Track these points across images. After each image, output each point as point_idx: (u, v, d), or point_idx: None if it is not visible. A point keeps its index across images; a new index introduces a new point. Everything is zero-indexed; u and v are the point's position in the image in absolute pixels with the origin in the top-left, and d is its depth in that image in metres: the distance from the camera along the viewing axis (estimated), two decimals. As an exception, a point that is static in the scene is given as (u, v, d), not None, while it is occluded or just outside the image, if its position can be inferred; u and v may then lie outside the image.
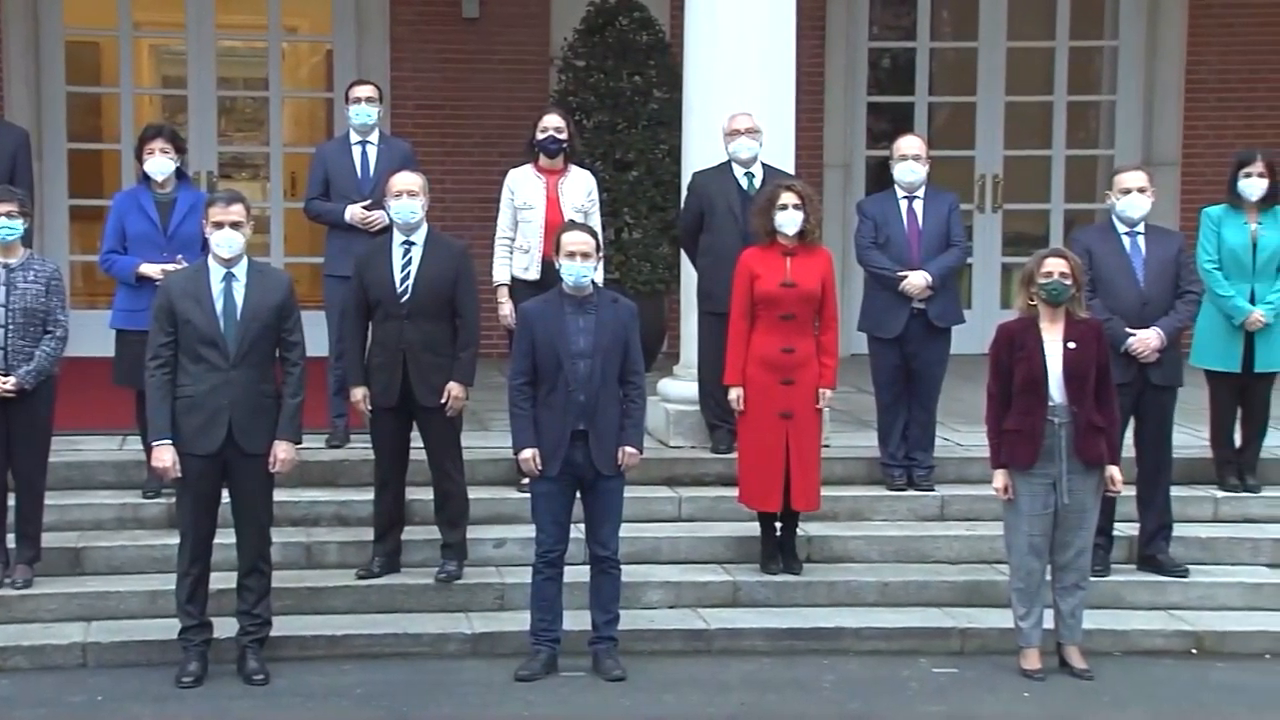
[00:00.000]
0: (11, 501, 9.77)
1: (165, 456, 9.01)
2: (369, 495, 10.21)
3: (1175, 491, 10.51)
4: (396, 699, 8.93)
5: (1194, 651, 9.86)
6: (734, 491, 10.34)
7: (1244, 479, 11.14)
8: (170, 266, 10.00)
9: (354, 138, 11.41)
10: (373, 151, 11.33)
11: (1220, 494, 11.09)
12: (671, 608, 10.07)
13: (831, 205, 15.16)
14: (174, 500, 9.53)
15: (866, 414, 11.50)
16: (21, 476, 9.74)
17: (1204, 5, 16.21)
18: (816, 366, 10.02)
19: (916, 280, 10.79)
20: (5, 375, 9.48)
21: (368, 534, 10.20)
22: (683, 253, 11.75)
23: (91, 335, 11.19)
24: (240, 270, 9.05)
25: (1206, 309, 10.84)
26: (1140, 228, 10.29)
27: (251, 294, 9.03)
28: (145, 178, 10.62)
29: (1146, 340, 10.08)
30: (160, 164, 10.52)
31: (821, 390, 10.07)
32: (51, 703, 8.84)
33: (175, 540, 9.28)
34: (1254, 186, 10.91)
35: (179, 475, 9.05)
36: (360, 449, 10.62)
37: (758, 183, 10.84)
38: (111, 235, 10.60)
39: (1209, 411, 11.11)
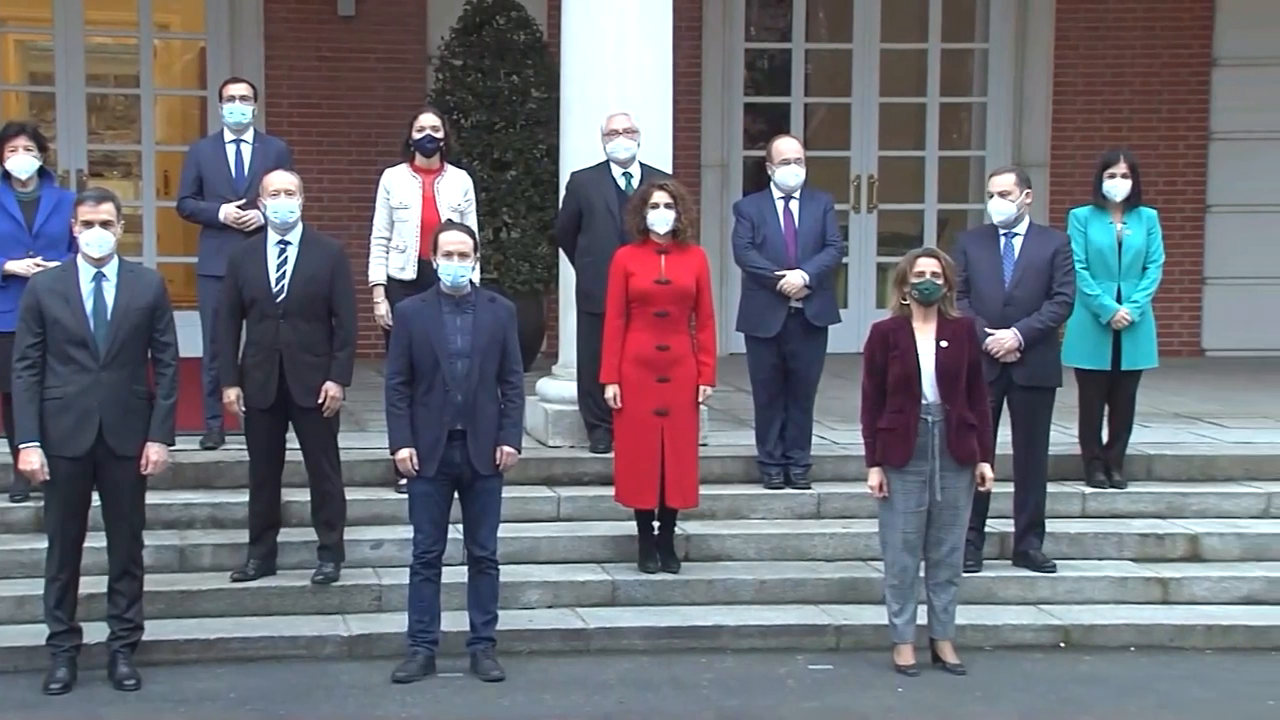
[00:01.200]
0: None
1: (33, 459, 8.90)
2: (244, 497, 10.17)
3: (1046, 488, 10.59)
4: (272, 702, 8.87)
5: (1062, 645, 9.97)
6: (612, 490, 10.34)
7: (1110, 475, 11.25)
8: (36, 264, 9.90)
9: (228, 136, 11.36)
10: (247, 150, 11.28)
11: (1088, 490, 11.21)
12: (550, 607, 10.06)
13: (709, 205, 15.23)
14: (42, 504, 9.41)
15: (744, 413, 11.54)
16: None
17: (1071, 10, 16.41)
18: (693, 364, 10.05)
19: (794, 280, 10.82)
20: None
21: (243, 536, 10.15)
22: (561, 252, 11.73)
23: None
24: (110, 270, 8.96)
25: (1077, 309, 10.88)
26: (1020, 229, 10.35)
27: (122, 294, 8.94)
28: (7, 176, 10.49)
29: (1001, 340, 10.13)
30: (23, 162, 10.42)
31: (701, 387, 10.10)
32: (-84, 711, 8.76)
33: (43, 544, 9.16)
34: (1118, 187, 11.04)
35: (47, 478, 8.95)
36: (235, 450, 10.55)
37: (635, 183, 10.84)
38: (-24, 235, 10.52)
39: (1078, 409, 11.21)
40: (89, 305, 8.88)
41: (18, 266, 10.12)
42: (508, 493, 9.54)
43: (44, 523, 9.31)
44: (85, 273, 8.93)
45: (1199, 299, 16.70)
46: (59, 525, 8.99)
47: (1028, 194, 10.46)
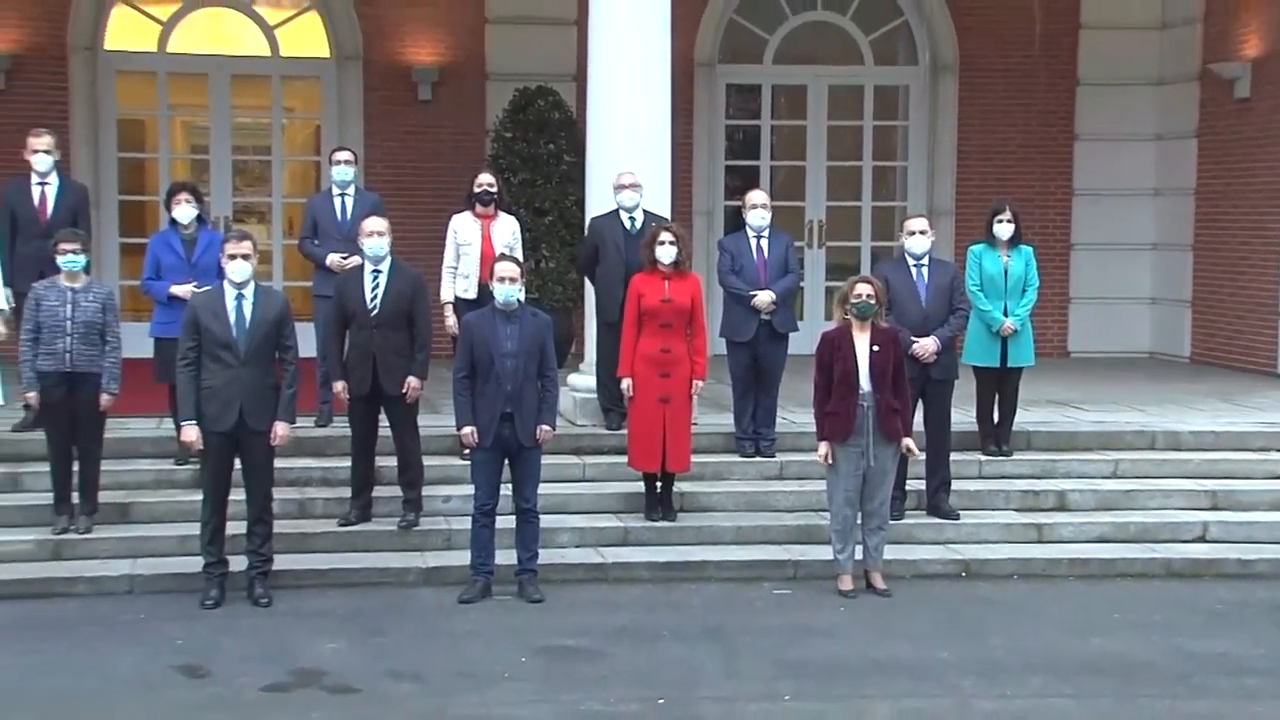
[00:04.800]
0: (76, 467, 9.67)
1: (191, 433, 8.95)
2: (347, 462, 10.15)
3: (952, 456, 10.57)
4: (369, 617, 8.87)
5: (963, 575, 9.97)
6: (625, 458, 10.30)
7: (1000, 447, 11.20)
8: (194, 288, 9.90)
9: (336, 191, 11.31)
10: (350, 201, 11.23)
11: (983, 458, 11.17)
12: (577, 546, 10.04)
13: (699, 242, 15.15)
14: (198, 467, 9.45)
15: (725, 400, 11.51)
16: (84, 448, 9.64)
17: (969, 97, 16.36)
18: (688, 363, 10.01)
19: (764, 297, 10.79)
20: (72, 372, 9.42)
21: (346, 492, 10.14)
22: (585, 278, 11.71)
23: (136, 342, 10.99)
24: (249, 291, 8.98)
25: (973, 320, 10.93)
26: (924, 260, 10.35)
27: (257, 309, 8.97)
28: (173, 222, 10.48)
29: (925, 345, 10.15)
30: (185, 211, 10.41)
31: (695, 380, 10.07)
32: (107, 621, 8.75)
33: (199, 497, 9.21)
34: (1004, 229, 11.06)
35: (201, 448, 8.99)
36: (340, 428, 10.52)
37: (639, 225, 10.80)
38: (150, 265, 10.50)
39: (975, 397, 11.19)
40: (232, 318, 8.91)
41: (180, 290, 10.09)
42: (545, 460, 9.52)
43: (199, 480, 9.38)
44: (230, 293, 8.95)
45: (1066, 313, 16.68)
46: (210, 483, 9.04)
47: (933, 233, 10.53)
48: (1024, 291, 11.09)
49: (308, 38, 15.59)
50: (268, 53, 15.54)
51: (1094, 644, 8.58)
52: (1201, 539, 10.52)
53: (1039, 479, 11.08)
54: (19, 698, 7.49)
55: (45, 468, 9.78)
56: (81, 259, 9.55)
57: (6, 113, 14.19)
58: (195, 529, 9.18)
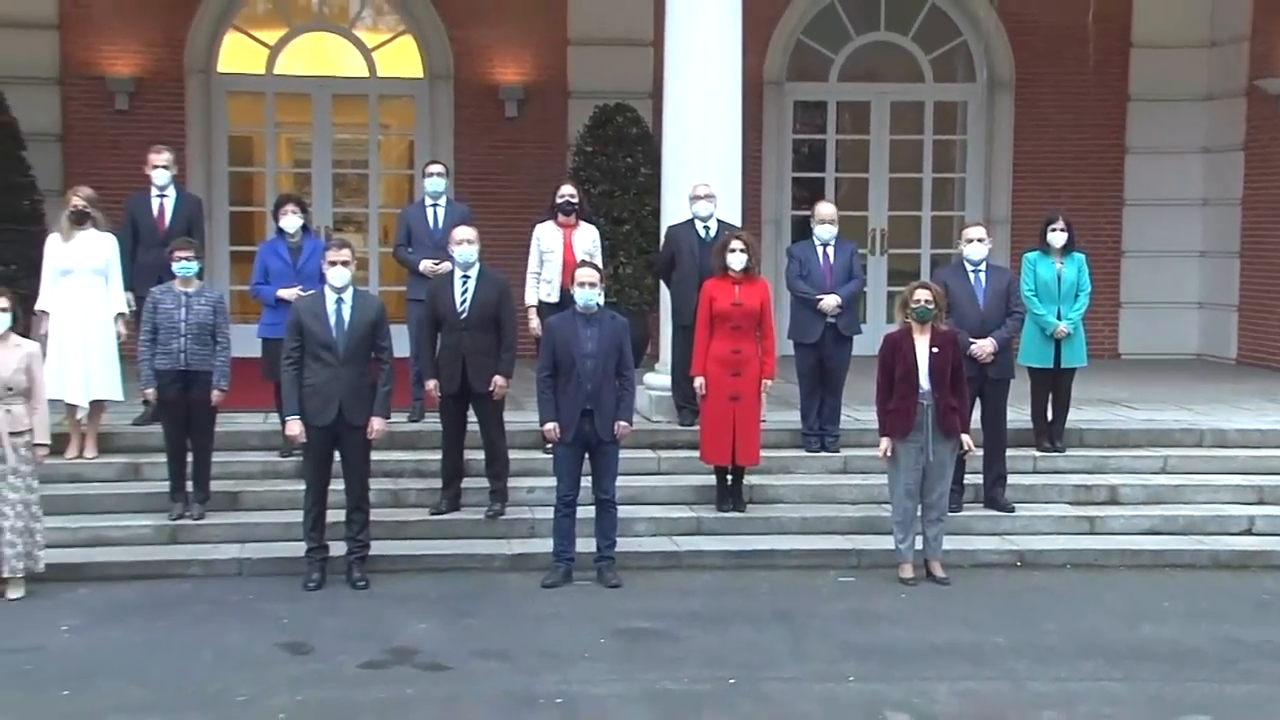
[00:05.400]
0: (190, 459, 9.81)
1: (295, 428, 9.06)
2: (438, 455, 10.21)
3: (1008, 452, 10.52)
4: (459, 600, 8.94)
5: (1018, 564, 9.91)
6: (697, 453, 10.31)
7: (1053, 443, 11.14)
8: (299, 292, 10.03)
9: (428, 201, 11.38)
10: (441, 211, 11.29)
11: (1038, 454, 11.09)
12: (653, 535, 10.06)
13: (767, 249, 15.08)
14: (301, 458, 9.55)
15: (792, 398, 11.49)
16: (197, 441, 9.78)
17: (1025, 106, 16.25)
18: (758, 363, 9.99)
19: (830, 301, 10.79)
20: (186, 370, 9.54)
21: (437, 483, 10.20)
22: (660, 283, 11.74)
23: (245, 342, 11.16)
24: (348, 295, 9.07)
25: (1029, 323, 10.88)
26: (982, 266, 10.32)
27: (355, 312, 9.05)
28: (280, 231, 10.62)
29: (983, 346, 10.11)
30: (291, 221, 10.54)
31: (764, 379, 10.06)
32: (218, 600, 8.88)
33: (302, 487, 9.31)
34: (1058, 237, 11.02)
35: (304, 441, 9.09)
36: (432, 423, 10.58)
37: (713, 233, 10.81)
38: (258, 271, 10.63)
39: (1030, 396, 11.13)
40: (333, 320, 9.00)
41: (286, 294, 10.19)
42: (623, 454, 9.53)
43: (302, 471, 9.46)
44: (330, 298, 9.05)
45: (1117, 317, 16.52)
46: (312, 473, 9.13)
47: (991, 240, 10.49)
48: (1077, 296, 11.04)
49: (403, 59, 15.73)
50: (366, 74, 15.69)
51: (1144, 631, 8.52)
52: (1248, 531, 10.40)
53: (1091, 474, 10.99)
54: (139, 670, 7.63)
55: (162, 459, 9.92)
56: (195, 265, 9.69)
57: (129, 131, 14.48)
58: (298, 516, 9.27)
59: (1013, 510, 10.41)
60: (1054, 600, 9.18)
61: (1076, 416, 11.44)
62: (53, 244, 10.47)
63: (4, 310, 8.82)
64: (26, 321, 9.60)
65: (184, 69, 15.16)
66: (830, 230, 10.95)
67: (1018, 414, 10.90)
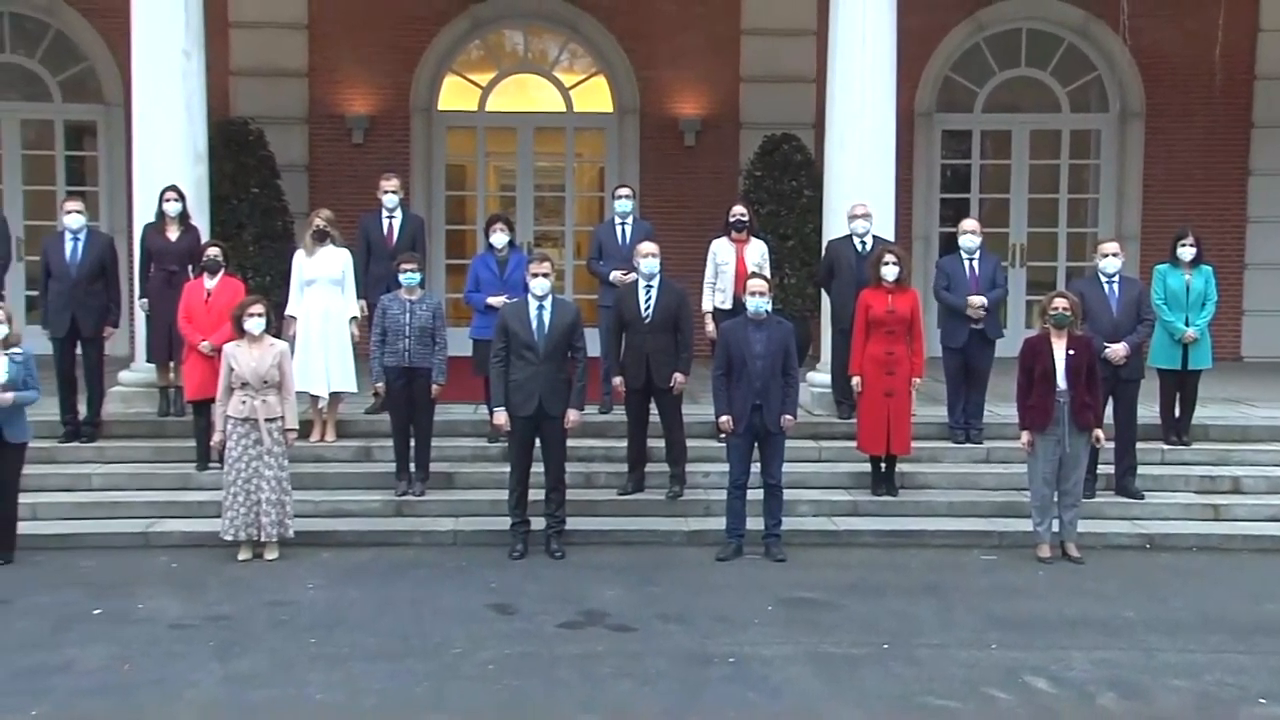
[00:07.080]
0: (412, 443, 9.93)
1: (501, 418, 9.14)
2: (625, 443, 10.24)
3: (1138, 445, 10.19)
4: (642, 571, 8.94)
5: (1148, 546, 9.60)
6: (854, 443, 10.18)
7: (1180, 437, 10.78)
8: (505, 299, 10.11)
9: (617, 220, 11.40)
10: (628, 229, 11.30)
11: (1165, 447, 10.73)
12: (814, 516, 9.96)
13: (917, 262, 14.86)
14: (506, 444, 9.61)
15: (939, 395, 11.29)
16: (419, 428, 9.90)
17: (1155, 133, 15.73)
18: (909, 363, 9.83)
19: (976, 300, 10.59)
20: (410, 367, 9.64)
21: (624, 467, 10.23)
22: (822, 292, 11.62)
23: (458, 343, 11.32)
24: (547, 302, 9.14)
25: (1159, 329, 10.55)
26: (1115, 278, 10.02)
27: (554, 317, 9.11)
28: (490, 246, 10.73)
29: (1116, 350, 9.81)
30: (499, 237, 10.62)
31: (914, 378, 9.90)
32: (436, 566, 9.00)
33: (507, 469, 9.39)
34: (1186, 252, 10.68)
35: (509, 429, 9.16)
36: (619, 415, 10.59)
37: (869, 248, 10.67)
38: (470, 281, 10.73)
39: (1159, 394, 10.76)
40: (534, 324, 9.07)
41: (495, 301, 10.29)
42: (788, 444, 9.45)
43: (507, 455, 9.53)
44: (532, 304, 9.12)
45: (1239, 324, 15.91)
46: (516, 457, 9.20)
47: (1123, 255, 10.21)
48: (1204, 305, 10.67)
49: (595, 96, 15.83)
50: (563, 109, 15.83)
51: (1267, 608, 8.19)
52: (1365, 521, 9.93)
53: (1215, 465, 10.59)
54: (371, 624, 7.79)
55: (389, 443, 10.09)
56: (418, 275, 9.84)
57: (364, 162, 14.87)
58: (504, 494, 9.37)
59: (1142, 497, 10.08)
60: (1181, 579, 8.87)
61: (1202, 414, 11.05)
62: (298, 258, 10.75)
63: (260, 315, 9.08)
64: (278, 325, 9.87)
65: (410, 108, 15.48)
66: (974, 240, 10.74)
67: (1147, 410, 10.55)
